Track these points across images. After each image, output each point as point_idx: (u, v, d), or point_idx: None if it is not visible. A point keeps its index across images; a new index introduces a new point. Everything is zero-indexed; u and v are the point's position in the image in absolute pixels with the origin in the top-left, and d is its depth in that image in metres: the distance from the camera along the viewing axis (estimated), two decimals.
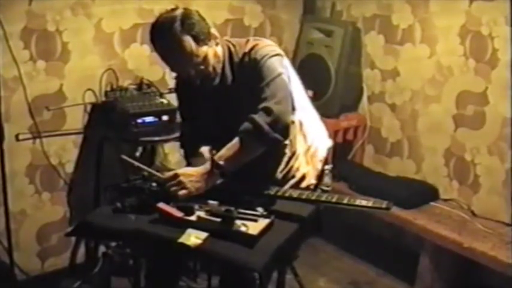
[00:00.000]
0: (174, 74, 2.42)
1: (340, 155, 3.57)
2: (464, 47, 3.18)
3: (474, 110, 3.19)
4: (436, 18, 3.31)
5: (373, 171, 3.69)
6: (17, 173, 3.04)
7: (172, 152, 3.47)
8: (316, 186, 2.39)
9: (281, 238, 1.93)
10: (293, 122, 2.25)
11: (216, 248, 1.84)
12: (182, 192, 2.03)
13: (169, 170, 2.22)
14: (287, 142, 2.26)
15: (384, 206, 2.02)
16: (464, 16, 3.15)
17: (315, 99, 3.04)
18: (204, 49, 2.10)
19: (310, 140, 2.36)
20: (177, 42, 2.05)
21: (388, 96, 3.65)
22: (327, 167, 2.43)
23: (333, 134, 3.49)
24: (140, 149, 3.19)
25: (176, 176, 2.06)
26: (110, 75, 3.16)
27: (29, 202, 3.12)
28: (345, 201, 2.05)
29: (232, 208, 1.92)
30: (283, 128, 2.12)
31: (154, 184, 2.10)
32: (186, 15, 2.08)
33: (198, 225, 1.90)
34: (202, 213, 1.94)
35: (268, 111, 2.09)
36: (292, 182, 2.32)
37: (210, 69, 2.15)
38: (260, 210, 1.97)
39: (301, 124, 2.32)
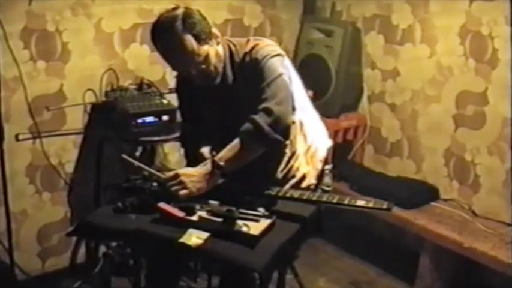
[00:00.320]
0: (174, 73, 2.42)
1: (340, 155, 3.57)
2: (464, 47, 3.18)
3: (474, 110, 3.19)
4: (436, 18, 3.31)
5: (373, 171, 3.69)
6: (17, 173, 3.04)
7: (172, 152, 3.47)
8: (317, 186, 2.39)
9: (282, 238, 1.92)
10: (293, 122, 2.25)
11: (217, 248, 1.84)
12: (183, 192, 2.03)
13: (170, 170, 2.22)
14: (287, 142, 2.26)
15: (385, 206, 2.01)
16: (464, 16, 3.15)
17: (315, 99, 3.04)
18: (205, 48, 2.10)
19: (310, 140, 2.36)
20: (178, 41, 2.05)
21: (388, 96, 3.65)
22: (327, 167, 2.43)
23: (333, 134, 3.49)
24: (140, 149, 3.19)
25: (177, 176, 2.06)
26: (110, 75, 3.16)
27: (29, 202, 3.12)
28: (346, 201, 2.04)
29: (234, 208, 1.91)
30: (283, 128, 2.12)
31: (155, 184, 2.10)
32: (188, 15, 2.08)
33: (199, 225, 1.90)
34: (203, 213, 1.94)
35: (268, 111, 2.09)
36: (292, 182, 2.32)
37: (211, 68, 2.14)
38: (261, 210, 1.97)
39: (301, 124, 2.32)
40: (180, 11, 2.09)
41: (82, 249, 3.27)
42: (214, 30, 2.17)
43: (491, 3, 3.04)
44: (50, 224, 3.20)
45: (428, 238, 3.08)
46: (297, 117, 2.28)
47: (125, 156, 2.22)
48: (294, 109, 2.24)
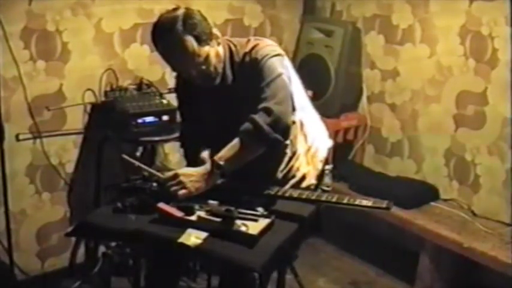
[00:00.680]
0: (174, 74, 2.42)
1: (341, 155, 3.57)
2: (464, 47, 3.18)
3: (474, 110, 3.19)
4: (436, 18, 3.31)
5: (374, 171, 3.69)
6: (17, 173, 3.04)
7: (172, 152, 3.47)
8: (317, 186, 2.39)
9: (281, 238, 1.92)
10: (294, 122, 2.25)
11: (216, 248, 1.84)
12: (182, 192, 2.03)
13: (170, 170, 2.22)
14: (288, 142, 2.26)
15: (384, 205, 2.01)
16: (464, 16, 3.15)
17: (315, 99, 3.04)
18: (206, 49, 2.10)
19: (311, 140, 2.36)
20: (178, 42, 2.05)
21: (388, 96, 3.65)
22: (327, 167, 2.43)
23: (333, 134, 3.48)
24: (140, 149, 3.19)
25: (176, 175, 2.06)
26: (110, 75, 3.17)
27: (29, 202, 3.12)
28: (345, 201, 2.05)
29: (233, 208, 1.91)
30: (283, 128, 2.12)
31: (154, 184, 2.10)
32: (188, 15, 2.07)
33: (198, 225, 1.90)
34: (202, 213, 1.94)
35: (268, 111, 2.09)
36: (292, 182, 2.32)
37: (212, 69, 2.14)
38: (260, 210, 1.97)
39: (302, 124, 2.32)
40: (180, 12, 2.09)
41: (81, 249, 3.27)
42: (215, 30, 2.16)
43: (491, 3, 3.04)
44: (49, 224, 3.20)
45: (428, 238, 3.08)
46: (297, 117, 2.28)
47: (125, 156, 2.22)
48: (294, 109, 2.24)
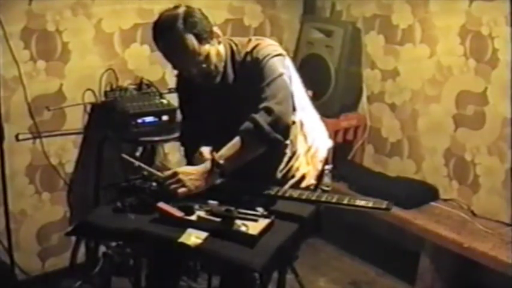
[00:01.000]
0: (175, 72, 2.42)
1: (340, 155, 3.56)
2: (464, 47, 3.18)
3: (474, 110, 3.19)
4: (436, 18, 3.31)
5: (373, 171, 3.69)
6: (17, 173, 3.04)
7: (172, 152, 3.47)
8: (316, 186, 2.39)
9: (281, 238, 1.92)
10: (294, 122, 2.25)
11: (216, 247, 1.84)
12: (181, 190, 2.03)
13: (170, 169, 2.22)
14: (287, 142, 2.26)
15: (384, 206, 2.01)
16: (464, 16, 3.15)
17: (315, 99, 3.03)
18: (207, 48, 2.10)
19: (311, 140, 2.36)
20: (179, 40, 2.05)
21: (388, 96, 3.65)
22: (327, 167, 2.43)
23: (333, 134, 3.49)
24: (140, 149, 3.19)
25: (175, 174, 2.06)
26: (110, 75, 3.17)
27: (29, 202, 3.12)
28: (345, 201, 2.04)
29: (233, 208, 1.91)
30: (283, 128, 2.12)
31: (154, 184, 2.10)
32: (189, 14, 2.08)
33: (198, 224, 1.90)
34: (202, 213, 1.94)
35: (269, 111, 2.09)
36: (292, 182, 2.32)
37: (212, 67, 2.14)
38: (260, 210, 1.96)
39: (302, 124, 2.32)
40: (181, 10, 2.09)
41: (82, 249, 3.27)
42: (216, 29, 2.17)
43: (491, 3, 3.04)
44: (49, 223, 3.20)
45: (428, 238, 3.08)
46: (297, 117, 2.28)
47: (125, 156, 2.22)
48: (294, 109, 2.24)
